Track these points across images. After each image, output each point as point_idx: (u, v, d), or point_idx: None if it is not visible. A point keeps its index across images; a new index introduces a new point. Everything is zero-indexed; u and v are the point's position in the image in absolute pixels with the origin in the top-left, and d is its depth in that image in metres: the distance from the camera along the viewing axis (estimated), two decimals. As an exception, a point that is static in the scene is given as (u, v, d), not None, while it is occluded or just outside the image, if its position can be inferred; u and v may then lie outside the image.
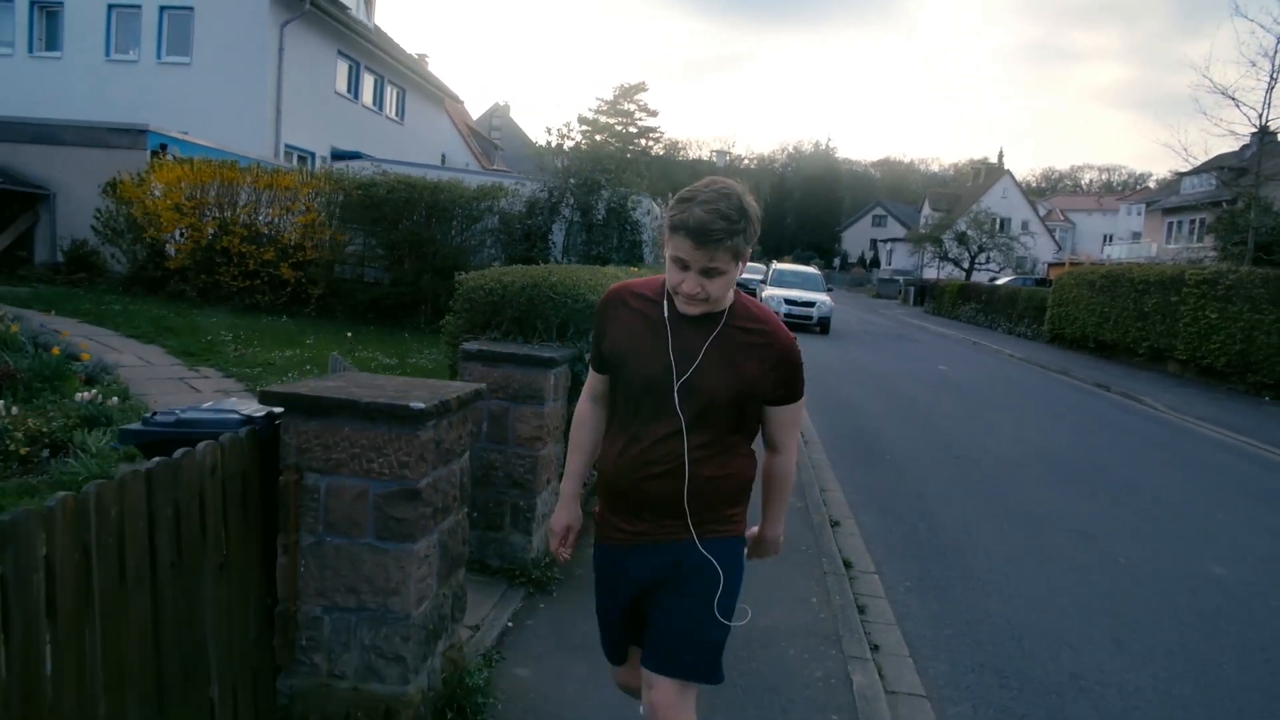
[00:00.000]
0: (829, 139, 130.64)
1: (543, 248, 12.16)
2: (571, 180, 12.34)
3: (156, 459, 2.11)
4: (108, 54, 20.39)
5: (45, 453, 4.74)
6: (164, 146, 14.57)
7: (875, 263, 74.22)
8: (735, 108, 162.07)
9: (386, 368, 8.82)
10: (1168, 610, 4.87)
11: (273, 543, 2.58)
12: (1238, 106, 23.38)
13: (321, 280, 12.61)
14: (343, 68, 23.77)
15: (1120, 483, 8.03)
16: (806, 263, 41.48)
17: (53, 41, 20.65)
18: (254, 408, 2.84)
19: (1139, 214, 54.62)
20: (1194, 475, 8.89)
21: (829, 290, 24.04)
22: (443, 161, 30.11)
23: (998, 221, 48.04)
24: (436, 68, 47.32)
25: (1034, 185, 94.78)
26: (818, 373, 13.98)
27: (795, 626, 3.96)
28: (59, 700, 1.75)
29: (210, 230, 12.71)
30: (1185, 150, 44.41)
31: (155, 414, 2.91)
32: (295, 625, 2.60)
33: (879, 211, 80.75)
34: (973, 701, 3.59)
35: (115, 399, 5.68)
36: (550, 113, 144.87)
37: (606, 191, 11.85)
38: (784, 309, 21.74)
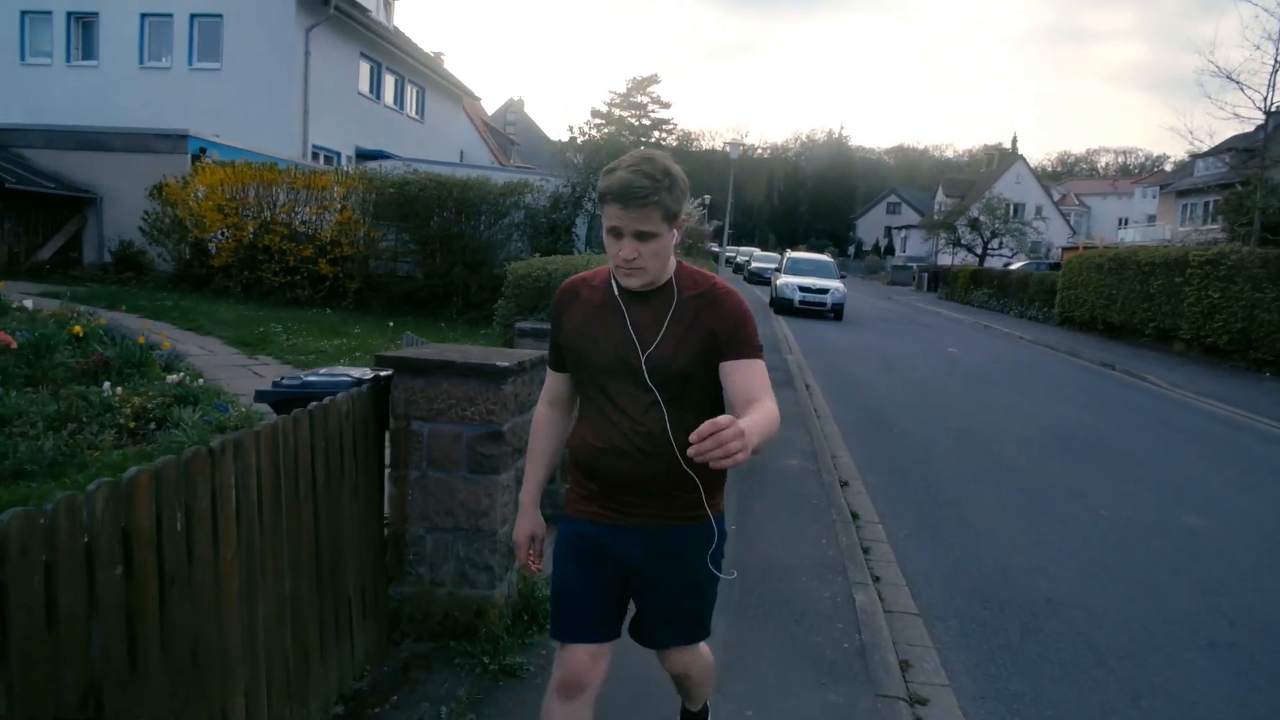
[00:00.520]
0: (842, 127, 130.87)
1: (567, 240, 12.83)
2: (592, 176, 12.99)
3: (312, 404, 2.77)
4: (141, 62, 21.16)
5: (151, 425, 5.44)
6: (203, 150, 15.31)
7: (890, 250, 74.40)
8: (747, 98, 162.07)
9: (427, 354, 9.50)
10: (1139, 552, 5.46)
11: (382, 478, 3.24)
12: (1242, 90, 23.59)
13: (358, 275, 13.33)
14: (365, 69, 24.46)
15: (1114, 451, 8.60)
16: (820, 251, 41.90)
17: (89, 51, 21.44)
18: (360, 373, 3.50)
19: (1154, 197, 54.64)
20: (1186, 444, 9.44)
21: (842, 277, 24.58)
22: (461, 158, 30.78)
23: (1011, 207, 48.24)
24: (452, 65, 48.01)
25: (1049, 169, 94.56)
26: (831, 355, 14.60)
27: (808, 561, 4.59)
28: (264, 570, 2.41)
29: (251, 229, 13.44)
30: (1191, 134, 44.42)
31: (283, 379, 3.57)
32: (404, 543, 3.26)
33: (893, 199, 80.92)
34: (959, 618, 4.22)
35: (200, 381, 6.38)
36: (564, 107, 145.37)
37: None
38: (799, 296, 22.32)
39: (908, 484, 6.69)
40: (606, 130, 44.21)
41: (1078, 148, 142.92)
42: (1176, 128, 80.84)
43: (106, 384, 5.88)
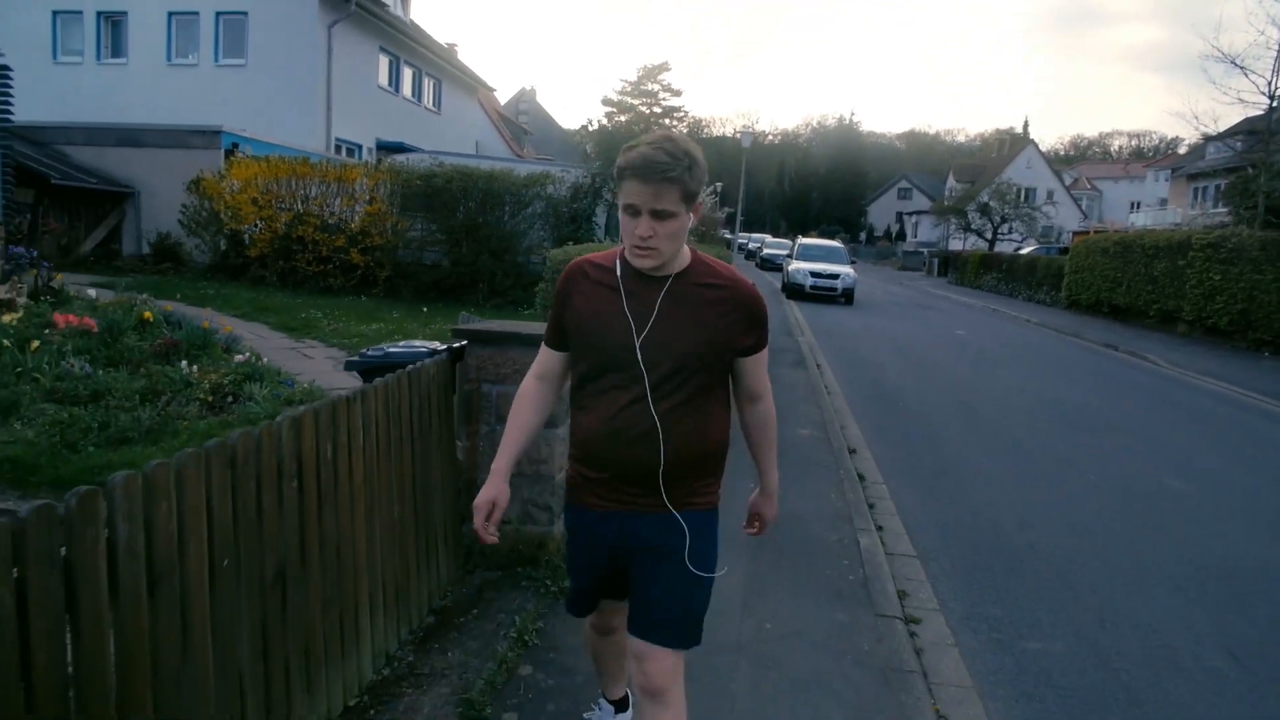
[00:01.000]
0: (853, 113, 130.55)
1: (587, 229, 13.40)
2: (609, 167, 13.55)
3: (410, 366, 3.36)
4: (169, 59, 21.79)
5: (228, 399, 6.06)
6: (235, 146, 15.96)
7: (901, 236, 74.61)
8: (758, 84, 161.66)
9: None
10: (1122, 510, 6.01)
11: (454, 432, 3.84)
12: (1245, 75, 23.79)
13: (387, 264, 13.95)
14: (384, 62, 25.03)
15: (1108, 424, 9.13)
16: (831, 237, 42.33)
17: (118, 49, 22.09)
18: (432, 345, 4.09)
19: (1165, 180, 54.69)
20: (1178, 418, 9.95)
21: (853, 263, 25.06)
22: (476, 149, 31.35)
23: (1021, 192, 48.48)
24: (465, 56, 48.70)
25: (1062, 153, 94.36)
26: (841, 337, 15.13)
27: (818, 512, 5.18)
28: (380, 497, 3.01)
29: (284, 221, 14.08)
30: (1196, 119, 44.39)
31: (367, 350, 4.16)
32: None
33: (904, 184, 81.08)
34: (951, 560, 4.80)
35: (264, 360, 7.00)
36: (575, 95, 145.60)
37: (644, 176, 13.02)
38: (810, 281, 22.84)
39: (911, 452, 7.26)
40: (619, 119, 44.68)
41: (1091, 131, 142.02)
42: (1182, 112, 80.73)
43: (184, 363, 6.50)
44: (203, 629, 2.03)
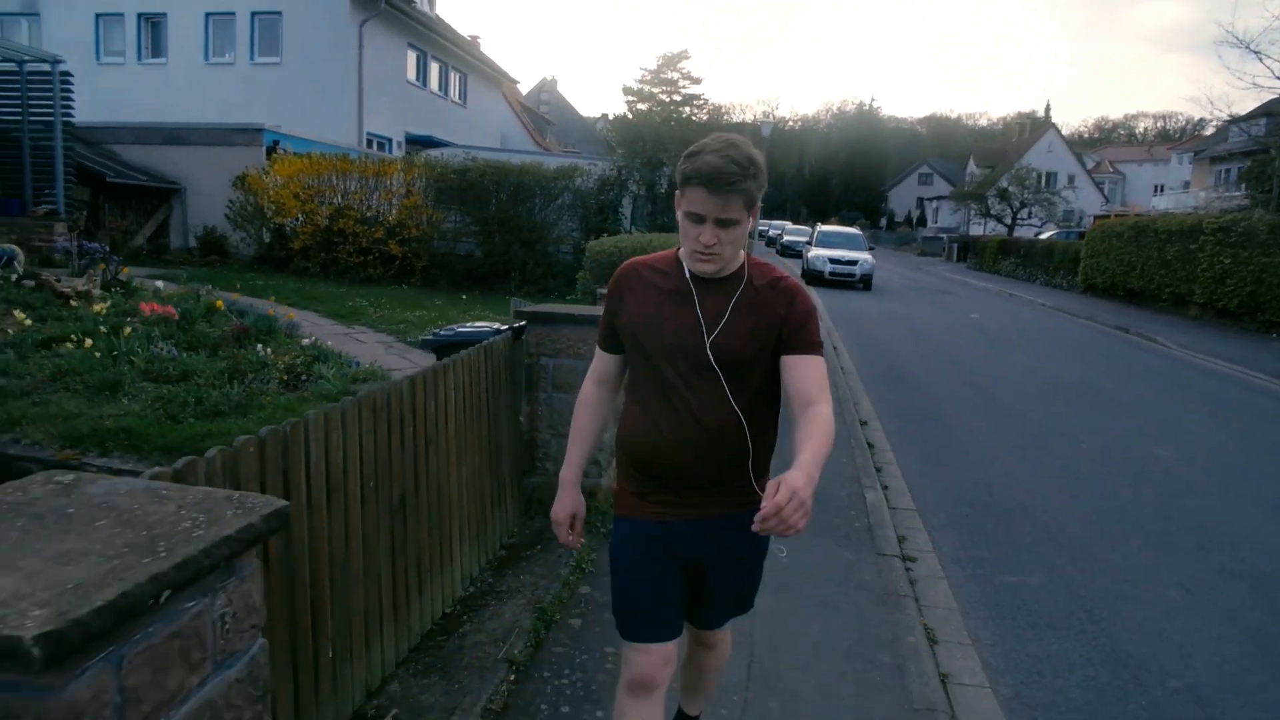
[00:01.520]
0: (873, 98, 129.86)
1: (614, 220, 14.07)
2: (636, 159, 14.21)
3: (483, 342, 4.03)
4: (206, 58, 22.64)
5: (302, 377, 6.79)
6: (276, 143, 16.72)
7: (921, 221, 74.54)
8: (778, 70, 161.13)
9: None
10: (1109, 474, 6.61)
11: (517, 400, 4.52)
12: (1260, 60, 23.97)
13: (424, 254, 14.68)
14: (412, 58, 25.73)
15: (1109, 400, 9.68)
16: (851, 224, 42.76)
17: (158, 49, 22.96)
18: (495, 325, 4.77)
19: (1189, 163, 54.40)
20: (1178, 395, 10.47)
21: (871, 249, 25.54)
22: (501, 141, 32.04)
23: (1041, 177, 48.52)
24: (487, 47, 49.40)
25: (1085, 136, 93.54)
26: (858, 322, 15.71)
27: (829, 472, 5.76)
28: (465, 447, 3.70)
29: (326, 214, 14.83)
30: (1211, 104, 44.17)
31: (440, 329, 4.85)
32: (536, 445, 4.55)
33: (925, 170, 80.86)
34: (947, 514, 5.43)
35: (329, 343, 7.72)
36: (593, 85, 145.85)
37: (669, 168, 13.70)
38: (829, 268, 23.38)
39: (919, 425, 7.88)
40: (639, 108, 45.15)
41: (1115, 113, 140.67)
42: (1196, 97, 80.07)
43: (260, 345, 7.24)
44: (356, 533, 2.72)
